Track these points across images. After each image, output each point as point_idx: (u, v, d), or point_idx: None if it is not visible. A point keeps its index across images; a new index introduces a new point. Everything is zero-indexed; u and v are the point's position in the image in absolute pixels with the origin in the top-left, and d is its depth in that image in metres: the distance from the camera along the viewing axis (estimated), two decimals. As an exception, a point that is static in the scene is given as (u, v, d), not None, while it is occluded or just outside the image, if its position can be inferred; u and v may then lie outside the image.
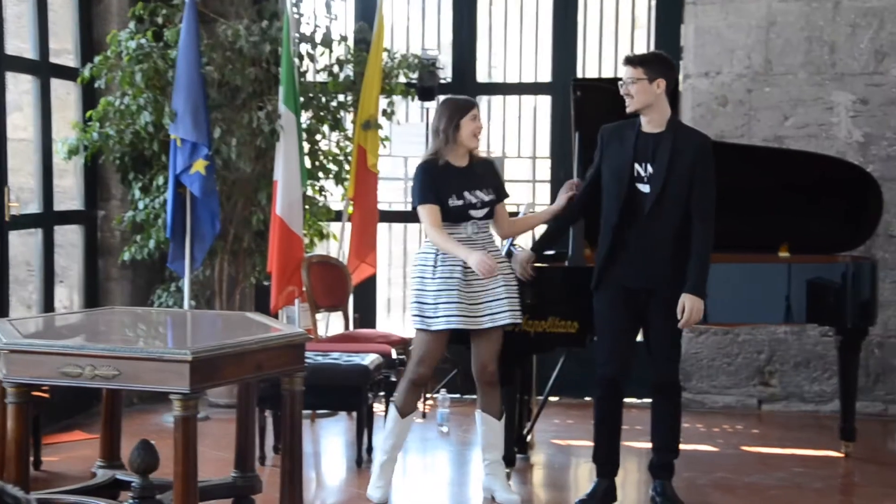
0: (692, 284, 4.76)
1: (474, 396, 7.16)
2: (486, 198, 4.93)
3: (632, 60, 4.87)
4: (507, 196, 5.11)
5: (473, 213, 4.89)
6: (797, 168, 6.08)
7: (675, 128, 4.87)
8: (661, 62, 4.88)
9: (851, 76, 6.85)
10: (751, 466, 5.76)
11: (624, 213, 4.81)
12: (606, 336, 4.92)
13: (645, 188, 4.79)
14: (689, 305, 4.74)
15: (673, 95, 6.15)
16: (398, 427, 5.01)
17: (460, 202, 4.87)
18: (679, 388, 5.12)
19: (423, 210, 4.92)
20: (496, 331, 4.90)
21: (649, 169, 4.79)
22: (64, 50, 6.85)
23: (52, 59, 6.64)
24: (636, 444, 5.66)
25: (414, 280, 4.95)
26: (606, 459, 5.03)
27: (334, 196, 7.41)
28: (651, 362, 4.93)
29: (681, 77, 7.05)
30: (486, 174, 5.00)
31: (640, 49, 7.44)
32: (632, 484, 5.38)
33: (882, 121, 6.83)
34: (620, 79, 4.84)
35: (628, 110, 4.82)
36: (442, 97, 5.12)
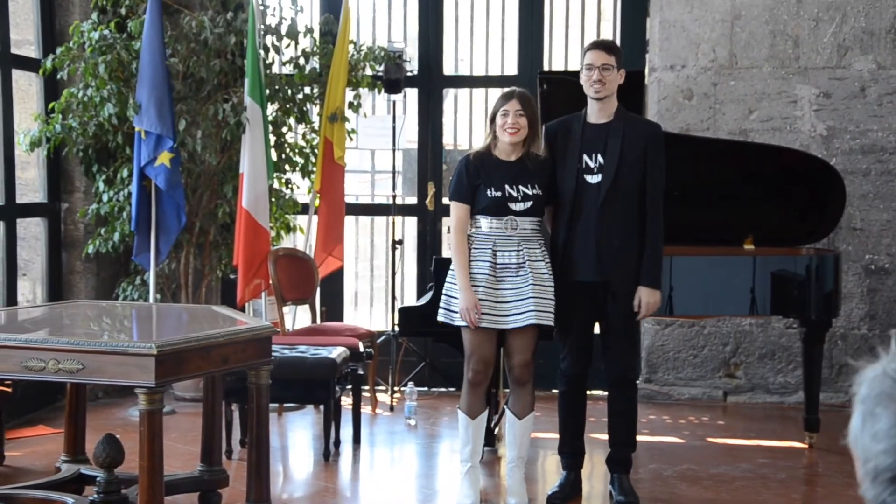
0: (648, 277, 4.78)
1: (442, 389, 7.24)
2: (531, 192, 4.72)
3: (609, 47, 4.86)
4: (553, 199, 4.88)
5: (512, 206, 4.71)
6: (762, 161, 6.14)
7: (624, 117, 4.84)
8: (622, 54, 4.93)
9: (815, 70, 6.90)
10: (716, 458, 5.79)
11: (575, 206, 4.80)
12: (566, 333, 4.92)
13: (594, 179, 4.77)
14: (645, 299, 4.77)
15: (638, 88, 6.21)
16: (470, 430, 4.83)
17: (499, 193, 4.70)
18: (634, 383, 5.14)
19: (451, 206, 4.83)
20: (528, 330, 4.72)
21: (599, 159, 4.78)
22: (25, 41, 6.79)
23: (14, 50, 6.57)
24: (602, 437, 5.68)
25: (450, 273, 4.81)
26: (571, 452, 5.07)
27: (301, 189, 7.38)
28: (606, 357, 4.94)
29: (646, 70, 7.09)
30: (538, 171, 4.77)
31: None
32: (598, 476, 5.40)
33: (845, 114, 6.89)
34: (591, 64, 4.79)
35: (598, 96, 4.77)
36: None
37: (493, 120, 4.77)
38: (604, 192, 4.75)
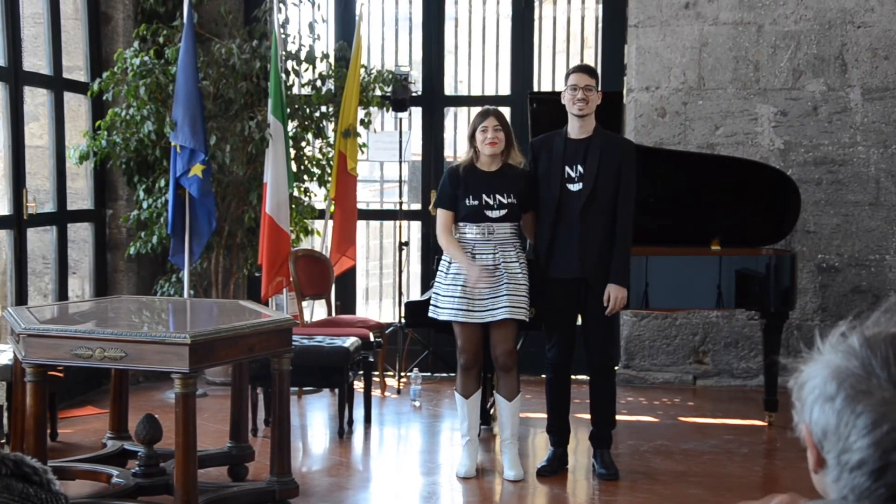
0: (616, 275, 4.80)
1: (444, 375, 7.24)
2: (506, 201, 4.75)
3: (591, 71, 4.88)
4: (532, 207, 4.89)
5: (489, 213, 4.74)
6: (727, 171, 6.13)
7: (601, 134, 4.87)
8: (599, 77, 4.93)
9: (773, 91, 6.90)
10: (687, 435, 5.80)
11: (558, 211, 4.81)
12: (551, 326, 4.94)
13: (575, 187, 4.79)
14: (613, 294, 4.79)
15: (617, 107, 6.21)
16: (465, 408, 4.90)
17: (476, 203, 4.73)
18: (613, 369, 5.14)
19: (437, 213, 4.88)
20: (506, 323, 4.75)
21: (579, 169, 4.79)
22: (75, 66, 6.79)
23: (65, 75, 6.58)
24: (586, 416, 5.69)
25: (437, 274, 4.89)
26: (558, 431, 5.07)
27: (318, 196, 7.39)
28: (587, 346, 4.96)
29: (625, 91, 7.09)
30: (514, 181, 4.79)
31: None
32: (582, 451, 5.41)
33: (799, 130, 6.89)
34: (576, 85, 4.80)
35: (581, 113, 4.78)
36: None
37: (472, 136, 4.80)
38: (584, 198, 4.77)
